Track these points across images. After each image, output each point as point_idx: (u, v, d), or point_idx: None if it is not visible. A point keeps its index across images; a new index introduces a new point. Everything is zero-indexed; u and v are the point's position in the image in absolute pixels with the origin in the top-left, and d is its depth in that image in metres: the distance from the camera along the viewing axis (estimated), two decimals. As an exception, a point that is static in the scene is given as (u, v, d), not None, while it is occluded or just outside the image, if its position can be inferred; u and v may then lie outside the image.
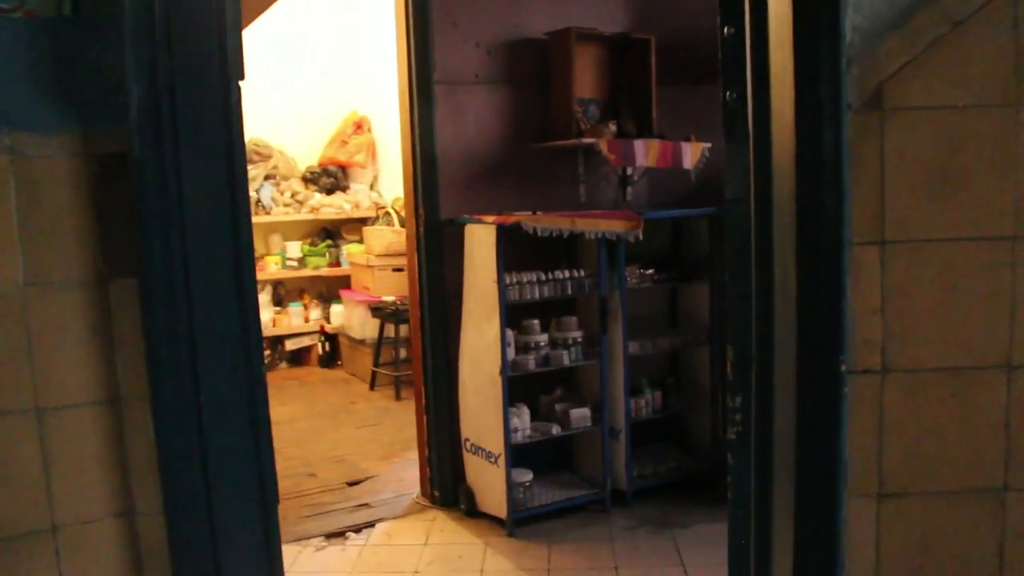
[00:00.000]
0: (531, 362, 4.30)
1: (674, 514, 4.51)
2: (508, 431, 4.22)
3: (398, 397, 7.09)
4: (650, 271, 4.62)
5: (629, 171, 4.98)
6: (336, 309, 8.41)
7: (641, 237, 4.29)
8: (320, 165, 8.75)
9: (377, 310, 7.32)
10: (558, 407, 4.51)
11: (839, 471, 1.78)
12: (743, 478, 1.94)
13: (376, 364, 7.41)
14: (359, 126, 8.79)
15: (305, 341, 8.52)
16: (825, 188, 1.71)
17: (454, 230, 4.51)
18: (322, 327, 8.40)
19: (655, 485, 4.73)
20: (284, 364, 8.51)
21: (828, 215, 1.71)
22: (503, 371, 4.17)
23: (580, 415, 4.46)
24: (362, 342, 7.78)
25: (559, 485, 4.60)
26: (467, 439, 4.54)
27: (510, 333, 4.29)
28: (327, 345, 8.43)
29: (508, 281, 4.21)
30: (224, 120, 1.78)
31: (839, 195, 1.71)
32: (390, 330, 7.25)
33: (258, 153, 8.28)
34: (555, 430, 4.40)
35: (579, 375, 4.68)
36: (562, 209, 4.62)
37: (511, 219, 4.01)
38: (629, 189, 5.03)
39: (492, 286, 4.15)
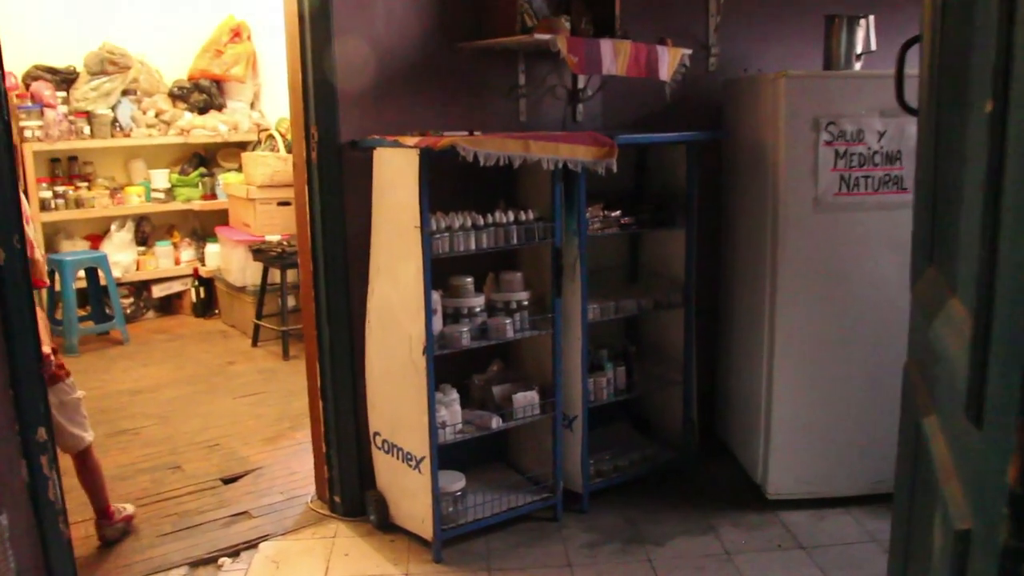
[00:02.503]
0: (464, 335, 3.23)
1: (643, 523, 3.55)
2: (434, 428, 3.16)
3: (286, 356, 5.94)
4: (615, 213, 3.57)
5: (581, 83, 3.89)
6: (212, 249, 7.16)
7: (615, 168, 3.23)
8: (190, 79, 7.39)
9: (259, 252, 6.11)
10: (497, 390, 3.46)
11: None
12: None
13: (259, 316, 6.23)
14: (236, 33, 7.42)
15: (176, 287, 7.28)
16: None
17: (360, 156, 3.36)
18: (196, 270, 7.17)
19: (617, 483, 3.75)
20: (152, 314, 7.23)
21: None
22: (427, 349, 3.09)
23: (526, 400, 3.42)
24: (242, 289, 6.56)
25: (498, 488, 3.57)
26: (377, 433, 3.46)
27: (436, 296, 3.20)
28: (202, 291, 7.19)
29: (435, 227, 3.10)
30: None
31: None
32: (275, 275, 6.06)
33: (113, 63, 6.84)
34: (495, 423, 3.36)
35: (524, 348, 3.64)
36: (497, 130, 3.52)
37: (442, 141, 2.89)
38: (580, 107, 3.94)
39: (412, 233, 3.05)
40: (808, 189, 3.35)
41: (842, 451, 3.63)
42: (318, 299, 3.50)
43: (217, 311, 7.16)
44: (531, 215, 3.33)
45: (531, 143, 3.04)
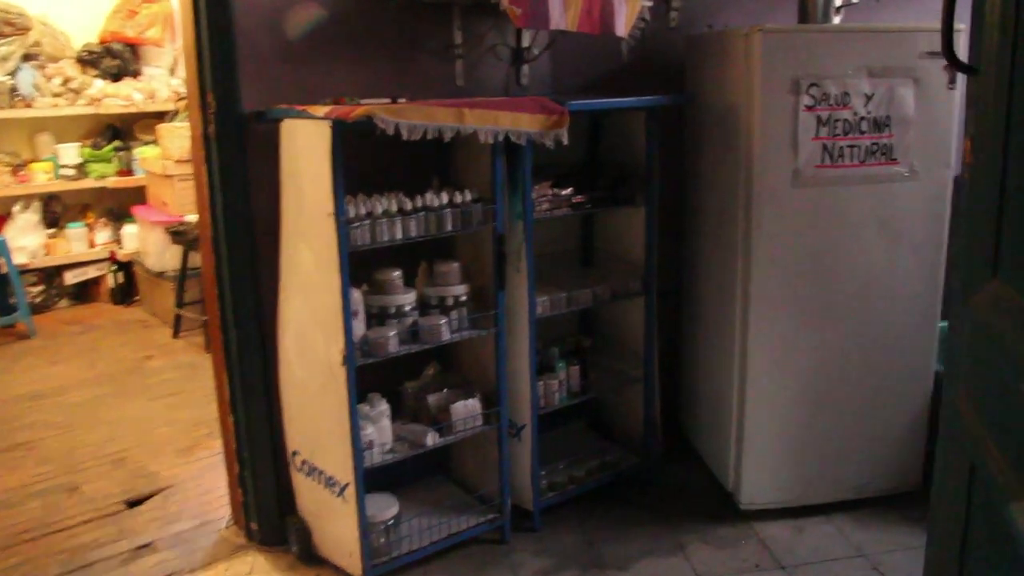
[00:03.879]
0: (391, 340, 2.75)
1: (603, 542, 3.13)
2: (358, 451, 2.69)
3: (209, 348, 5.38)
4: (566, 191, 3.10)
5: (526, 41, 3.41)
6: (130, 231, 6.55)
7: (566, 139, 2.76)
8: (101, 43, 6.71)
9: (178, 234, 5.56)
10: (433, 399, 3.00)
11: None
12: None
13: (180, 304, 5.68)
14: (152, -9, 6.76)
15: (91, 272, 6.67)
16: None
17: (266, 129, 2.85)
18: (112, 254, 6.58)
19: (573, 496, 3.32)
20: (65, 302, 6.62)
21: None
22: (347, 358, 2.61)
23: (467, 410, 2.97)
24: (162, 275, 6.00)
25: (438, 509, 3.12)
26: (296, 452, 2.98)
27: (357, 295, 2.72)
28: (120, 276, 6.61)
29: (353, 213, 2.61)
30: None
31: None
32: (197, 259, 5.48)
33: (9, 24, 6.17)
34: (430, 439, 2.89)
35: (463, 349, 3.17)
36: (431, 96, 3.03)
37: (357, 111, 2.39)
38: (525, 68, 3.45)
39: (326, 222, 2.55)
40: (787, 161, 2.91)
41: (823, 454, 3.23)
42: (222, 297, 3.00)
43: (137, 298, 6.59)
44: (468, 196, 2.85)
45: (465, 112, 2.55)
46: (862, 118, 2.91)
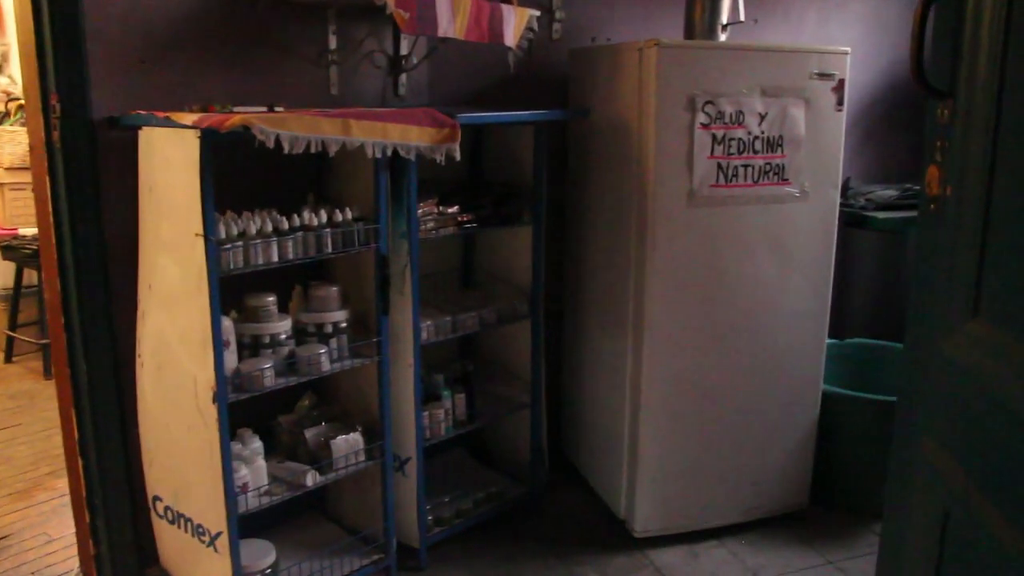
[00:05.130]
0: (267, 373, 2.49)
1: (494, 581, 2.97)
2: (232, 497, 2.42)
3: (48, 375, 4.93)
4: (453, 209, 2.93)
5: (405, 48, 3.21)
6: (-47, 244, 5.92)
7: (457, 155, 2.58)
8: (-81, 36, 6.07)
9: (10, 249, 5.05)
10: (311, 434, 2.75)
11: None
12: None
13: (12, 327, 5.17)
14: (-22, -18, 6.17)
15: (-92, 290, 5.98)
16: None
17: (122, 137, 2.55)
18: (-67, 270, 5.91)
19: (460, 531, 3.14)
20: None
21: None
22: (218, 395, 2.35)
23: (347, 445, 2.74)
24: (-8, 294, 5.46)
25: (318, 551, 2.87)
26: (158, 498, 2.67)
27: (228, 323, 2.46)
28: (-58, 295, 5.97)
29: (224, 233, 2.35)
30: None
31: None
32: (33, 277, 5.03)
33: None
34: (311, 479, 2.65)
35: (341, 378, 2.94)
36: (302, 104, 2.81)
37: (232, 120, 2.13)
38: (403, 77, 3.26)
39: (193, 243, 2.29)
40: (682, 180, 2.83)
41: (715, 477, 3.17)
42: (69, 325, 2.66)
43: (-38, 318, 5.98)
44: (349, 214, 2.63)
45: (352, 123, 2.34)
46: (756, 137, 2.86)
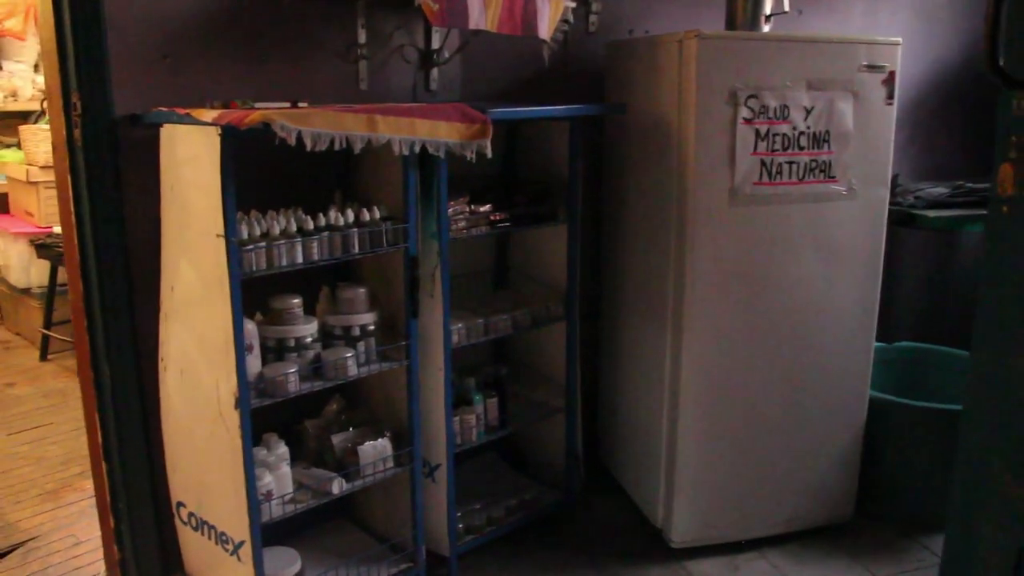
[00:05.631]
0: (291, 378, 2.42)
1: (526, 592, 2.87)
2: (255, 505, 2.35)
3: (82, 373, 4.91)
4: (485, 207, 2.83)
5: (436, 43, 3.12)
6: (-10, 243, 5.96)
7: (489, 151, 2.48)
8: (-44, 35, 6.11)
9: (45, 248, 5.05)
10: (338, 440, 2.68)
11: None
12: None
13: (48, 324, 5.17)
14: (14, -21, 6.19)
15: (-53, 288, 6.02)
16: None
17: (144, 135, 2.49)
18: (-30, 268, 5.95)
19: (492, 539, 3.05)
20: (-84, 321, 5.98)
21: None
22: (240, 401, 2.28)
23: (376, 452, 2.66)
24: (27, 291, 5.47)
25: (343, 560, 2.78)
26: (181, 504, 2.61)
27: (251, 326, 2.38)
28: (-20, 293, 6.00)
29: (247, 234, 2.28)
30: None
31: None
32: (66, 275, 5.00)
33: None
34: (337, 487, 2.57)
35: (371, 382, 2.85)
36: (330, 100, 2.72)
37: (252, 116, 2.06)
38: (435, 72, 3.17)
39: (214, 244, 2.21)
40: (723, 178, 2.71)
41: (757, 487, 3.05)
42: (92, 328, 2.61)
43: (1, 317, 6.01)
44: (377, 213, 2.55)
45: (378, 119, 2.25)
46: (801, 133, 2.73)
